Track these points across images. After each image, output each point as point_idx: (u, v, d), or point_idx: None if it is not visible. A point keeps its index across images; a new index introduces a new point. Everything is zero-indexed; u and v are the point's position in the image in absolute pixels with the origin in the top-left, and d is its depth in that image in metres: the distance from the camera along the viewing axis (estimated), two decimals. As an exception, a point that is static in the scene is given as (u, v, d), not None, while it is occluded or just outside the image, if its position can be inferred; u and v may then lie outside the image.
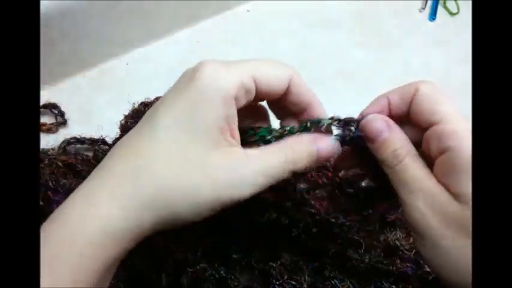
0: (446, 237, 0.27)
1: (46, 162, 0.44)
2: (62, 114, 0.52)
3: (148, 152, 0.29)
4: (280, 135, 0.32)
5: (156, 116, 0.30)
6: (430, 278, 0.39)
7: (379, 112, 0.31)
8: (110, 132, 0.49)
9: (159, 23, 0.57)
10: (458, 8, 0.62)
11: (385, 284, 0.38)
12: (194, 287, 0.38)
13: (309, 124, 0.32)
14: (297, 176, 0.34)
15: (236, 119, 0.31)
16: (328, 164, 0.38)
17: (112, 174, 0.29)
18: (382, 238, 0.40)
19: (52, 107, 0.52)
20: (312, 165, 0.32)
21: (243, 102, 0.31)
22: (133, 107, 0.48)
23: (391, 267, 0.39)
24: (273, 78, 0.31)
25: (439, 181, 0.28)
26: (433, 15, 0.62)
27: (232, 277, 0.39)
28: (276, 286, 0.39)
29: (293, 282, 0.39)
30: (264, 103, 0.35)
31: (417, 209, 0.28)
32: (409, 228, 0.31)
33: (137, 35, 0.57)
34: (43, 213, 0.31)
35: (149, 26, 0.58)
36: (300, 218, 0.38)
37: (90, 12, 0.52)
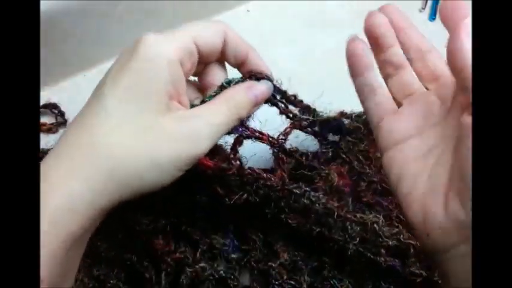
0: None
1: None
2: (62, 114, 0.52)
3: (101, 129, 0.30)
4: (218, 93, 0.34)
5: (103, 92, 0.30)
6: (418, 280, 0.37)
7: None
8: (110, 132, 0.49)
9: (159, 23, 0.57)
10: (458, 8, 0.62)
11: (383, 285, 0.38)
12: (194, 286, 0.38)
13: (225, 83, 0.35)
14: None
15: (184, 83, 0.32)
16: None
17: (67, 153, 0.29)
18: (358, 215, 0.37)
19: (52, 107, 0.52)
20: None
21: (188, 66, 0.32)
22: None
23: (378, 258, 0.37)
24: (211, 35, 0.33)
25: None
26: (433, 15, 0.62)
27: (232, 277, 0.39)
28: (276, 286, 0.39)
29: (292, 282, 0.39)
30: None
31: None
32: None
33: (137, 35, 0.57)
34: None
35: (149, 26, 0.58)
36: (264, 194, 0.36)
37: (90, 12, 0.52)
